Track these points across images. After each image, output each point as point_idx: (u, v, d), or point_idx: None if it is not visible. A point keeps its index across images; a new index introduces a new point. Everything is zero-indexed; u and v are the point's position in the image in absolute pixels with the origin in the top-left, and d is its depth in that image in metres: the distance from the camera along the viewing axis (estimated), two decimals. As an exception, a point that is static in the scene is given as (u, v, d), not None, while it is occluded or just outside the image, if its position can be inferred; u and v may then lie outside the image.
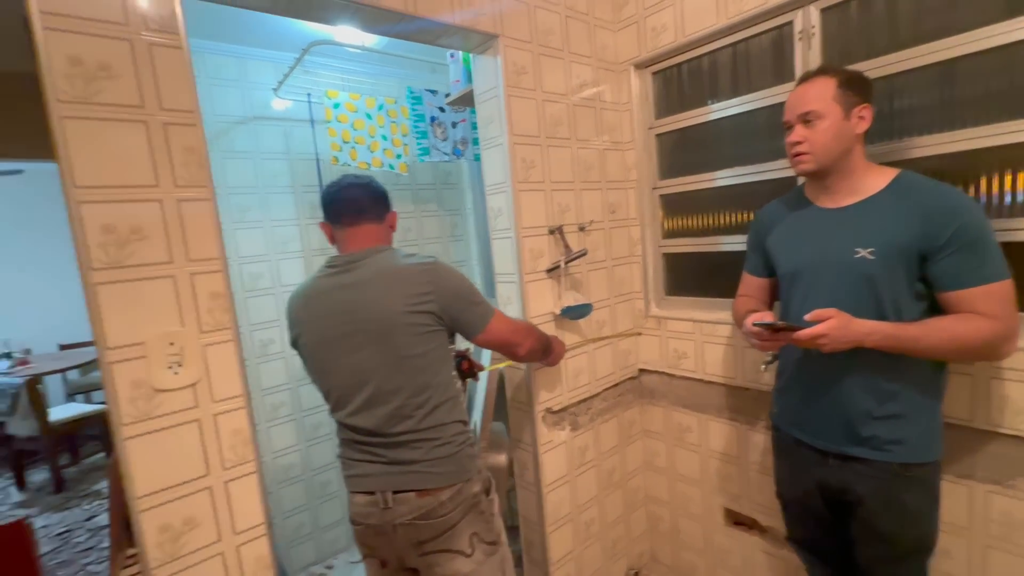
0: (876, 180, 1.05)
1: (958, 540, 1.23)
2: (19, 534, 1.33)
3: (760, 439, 1.60)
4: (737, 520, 1.74)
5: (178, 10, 0.93)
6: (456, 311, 1.10)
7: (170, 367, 0.92)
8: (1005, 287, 0.91)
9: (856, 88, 1.04)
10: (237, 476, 1.01)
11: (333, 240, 1.17)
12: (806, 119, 1.05)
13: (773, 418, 1.28)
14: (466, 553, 1.10)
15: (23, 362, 3.58)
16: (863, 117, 1.04)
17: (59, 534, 2.71)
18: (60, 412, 3.33)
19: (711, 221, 1.72)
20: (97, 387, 4.15)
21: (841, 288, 1.05)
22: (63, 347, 4.27)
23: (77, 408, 3.46)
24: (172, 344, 0.93)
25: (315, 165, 2.10)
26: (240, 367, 1.01)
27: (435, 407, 1.09)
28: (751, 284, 1.32)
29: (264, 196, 2.04)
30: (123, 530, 2.38)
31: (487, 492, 1.16)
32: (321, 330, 1.09)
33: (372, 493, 1.07)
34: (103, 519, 2.81)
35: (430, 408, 1.08)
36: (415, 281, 1.06)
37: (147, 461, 0.91)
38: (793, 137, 1.07)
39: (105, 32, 0.86)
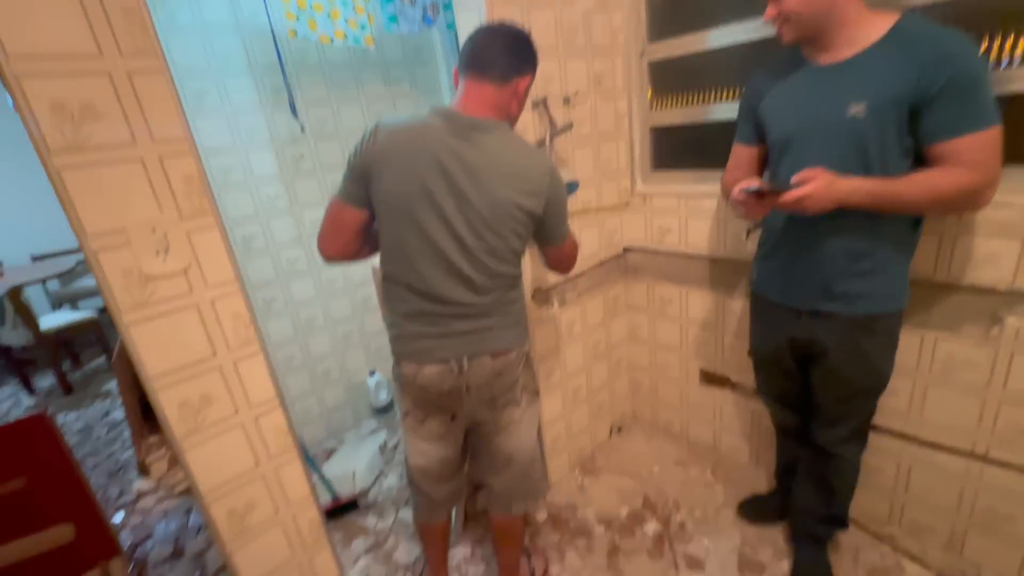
0: (875, 28, 0.99)
1: (904, 380, 1.38)
2: (42, 425, 1.41)
3: (737, 306, 1.71)
4: (711, 379, 1.91)
5: None
6: (551, 219, 1.09)
7: (157, 253, 0.91)
8: (992, 135, 0.91)
9: None
10: (243, 356, 1.05)
11: (456, 84, 1.07)
12: None
13: (752, 284, 1.35)
14: (518, 402, 1.23)
15: (-2, 274, 3.50)
16: None
17: (79, 430, 2.88)
18: (51, 320, 3.34)
19: (701, 90, 1.64)
20: (81, 296, 4.13)
21: (831, 149, 1.04)
22: (35, 258, 4.15)
23: (67, 316, 3.47)
24: (154, 231, 0.91)
25: (271, 40, 1.89)
26: (228, 253, 1.00)
27: (511, 288, 1.13)
28: (741, 155, 1.31)
29: (220, 79, 1.87)
30: (142, 421, 2.53)
31: (529, 352, 1.29)
32: (419, 189, 0.99)
33: (445, 361, 1.10)
34: (119, 415, 2.97)
35: (507, 290, 1.12)
36: (534, 180, 1.02)
37: (153, 345, 0.94)
38: (768, 13, 1.04)
39: None
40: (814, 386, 1.28)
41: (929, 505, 1.43)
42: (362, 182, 1.03)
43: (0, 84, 0.76)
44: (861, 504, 1.54)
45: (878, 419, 1.43)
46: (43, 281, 3.66)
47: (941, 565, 1.40)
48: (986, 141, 0.92)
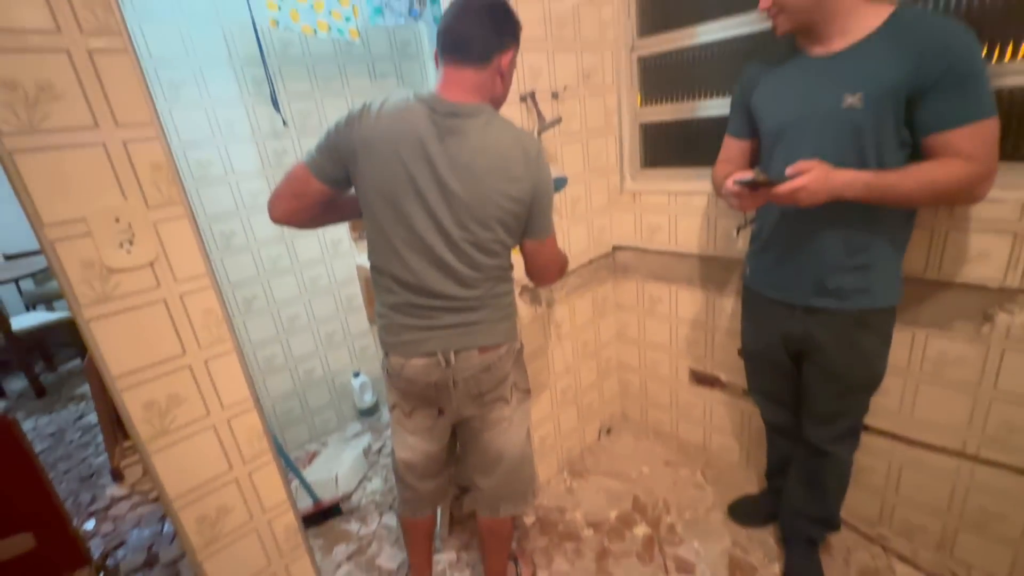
0: (870, 18, 0.97)
1: (895, 379, 1.36)
2: (5, 429, 1.33)
3: (727, 304, 1.68)
4: (700, 379, 1.89)
5: None
6: (537, 209, 1.04)
7: (121, 245, 0.86)
8: (989, 126, 0.90)
9: None
10: (215, 355, 1.00)
11: (437, 64, 1.02)
12: None
13: (745, 280, 1.33)
14: (507, 400, 1.20)
15: (-32, 273, 3.37)
16: None
17: (51, 434, 2.77)
18: (23, 321, 3.23)
19: (691, 86, 1.62)
20: (56, 296, 4.00)
21: (826, 141, 1.03)
22: (8, 257, 4.02)
23: (40, 316, 3.35)
24: (118, 220, 0.85)
25: (253, 30, 1.83)
26: (199, 245, 0.95)
27: (500, 282, 1.10)
28: (732, 148, 1.29)
29: (199, 70, 1.81)
30: (116, 425, 2.43)
31: (521, 347, 1.25)
32: (404, 179, 0.96)
33: (432, 354, 1.07)
34: (93, 418, 2.87)
35: (495, 283, 1.09)
36: (519, 164, 0.98)
37: (117, 342, 0.88)
38: (762, 3, 1.04)
39: None
40: (807, 383, 1.25)
41: (920, 505, 1.42)
42: (339, 162, 0.99)
43: (-55, 59, 0.71)
44: (852, 504, 1.52)
45: (869, 419, 1.42)
46: (16, 280, 3.53)
47: (932, 565, 1.39)
48: (983, 132, 0.90)
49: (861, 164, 1.00)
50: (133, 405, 0.91)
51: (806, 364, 1.23)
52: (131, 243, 0.87)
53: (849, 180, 0.95)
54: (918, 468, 1.39)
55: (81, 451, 2.57)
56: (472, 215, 0.98)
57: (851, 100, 0.98)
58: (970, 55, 0.89)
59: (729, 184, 1.05)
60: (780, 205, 1.12)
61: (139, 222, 0.87)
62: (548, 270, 1.16)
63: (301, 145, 2.08)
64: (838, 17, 0.99)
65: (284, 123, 1.98)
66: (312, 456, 2.24)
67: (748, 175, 1.03)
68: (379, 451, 2.24)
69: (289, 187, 1.03)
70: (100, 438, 2.67)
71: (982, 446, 1.27)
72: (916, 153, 1.00)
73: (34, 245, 4.05)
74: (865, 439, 1.45)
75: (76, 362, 3.70)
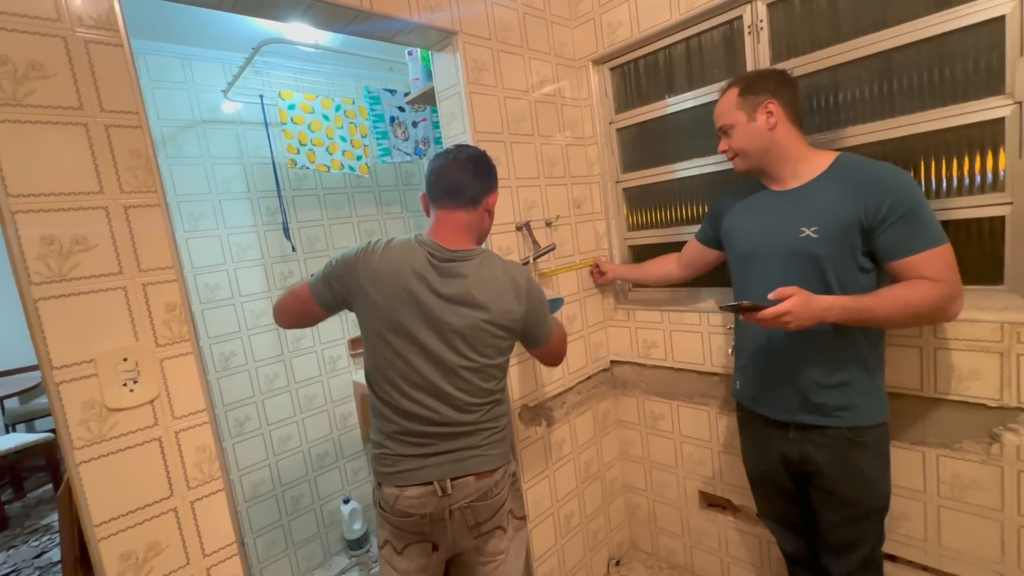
0: (816, 164, 1.12)
1: (914, 503, 1.30)
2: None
3: (730, 421, 1.66)
4: (711, 502, 1.79)
5: (116, 5, 0.87)
6: (531, 326, 1.12)
7: (125, 384, 0.87)
8: (945, 251, 0.99)
9: (756, 89, 1.14)
10: (204, 495, 0.96)
11: (428, 211, 1.12)
12: (723, 131, 1.21)
13: (736, 395, 1.33)
14: (505, 529, 1.14)
15: (-46, 392, 3.30)
16: (771, 112, 1.12)
17: (5, 575, 2.51)
18: (1, 444, 3.09)
19: (673, 212, 1.76)
20: (40, 415, 3.87)
21: (789, 267, 1.11)
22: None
23: (19, 438, 3.21)
24: (126, 360, 0.87)
25: (271, 169, 2.02)
26: (202, 380, 0.96)
27: (496, 405, 1.12)
28: (694, 248, 1.46)
29: (218, 203, 1.96)
30: (78, 565, 2.22)
31: (516, 471, 1.22)
32: (404, 311, 1.01)
33: (428, 483, 1.05)
34: (54, 555, 2.62)
35: (492, 406, 1.11)
36: (510, 298, 1.06)
37: (103, 486, 0.85)
38: (720, 147, 1.23)
39: (35, 28, 0.80)
40: (815, 510, 1.20)
41: (970, 653, 1.27)
42: (339, 294, 1.06)
43: (-6, 220, 0.78)
44: (895, 653, 1.36)
45: (895, 548, 1.33)
46: (1, 400, 3.45)
47: None
48: (940, 256, 0.99)
49: (824, 287, 1.07)
50: (109, 557, 0.86)
51: (810, 489, 1.20)
52: (135, 381, 0.88)
53: (829, 305, 1.01)
54: (959, 607, 1.27)
55: (34, 597, 2.31)
56: (468, 344, 1.03)
57: (807, 232, 1.09)
58: (909, 192, 1.00)
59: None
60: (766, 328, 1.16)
61: (146, 361, 0.89)
62: (557, 356, 1.25)
63: (307, 266, 2.18)
64: (788, 162, 1.15)
65: (293, 249, 2.09)
66: (292, 599, 2.02)
67: (731, 301, 1.09)
68: (367, 591, 2.03)
69: (292, 305, 1.12)
70: (58, 580, 2.42)
71: (1022, 581, 1.17)
72: (879, 276, 1.08)
73: (23, 362, 4.02)
74: (894, 571, 1.34)
75: (47, 488, 3.47)
